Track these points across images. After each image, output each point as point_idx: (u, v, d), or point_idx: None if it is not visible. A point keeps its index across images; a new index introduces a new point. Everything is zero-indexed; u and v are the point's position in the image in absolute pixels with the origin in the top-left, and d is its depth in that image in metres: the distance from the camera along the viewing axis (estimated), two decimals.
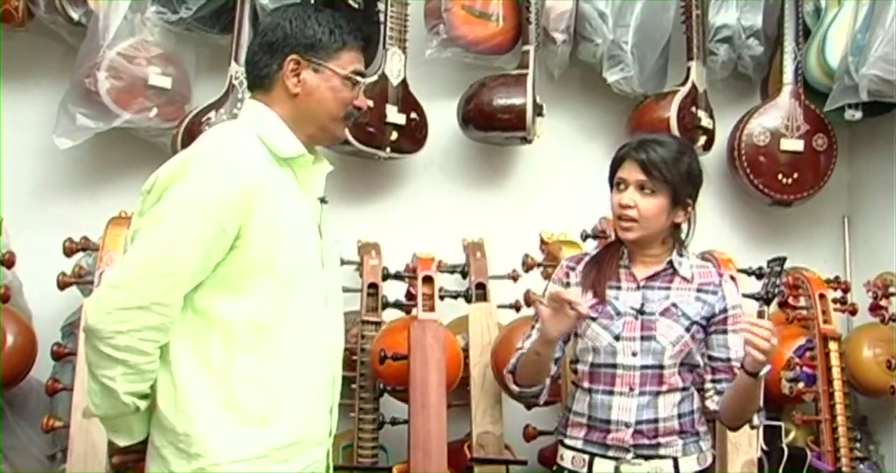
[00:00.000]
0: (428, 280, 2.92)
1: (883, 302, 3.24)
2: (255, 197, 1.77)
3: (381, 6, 3.11)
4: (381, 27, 3.11)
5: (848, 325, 3.48)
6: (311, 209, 1.94)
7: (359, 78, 1.92)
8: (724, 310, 2.26)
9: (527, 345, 2.28)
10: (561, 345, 2.30)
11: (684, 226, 2.31)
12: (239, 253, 1.78)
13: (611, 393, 2.22)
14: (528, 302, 2.85)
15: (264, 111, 1.89)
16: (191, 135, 2.92)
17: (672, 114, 3.21)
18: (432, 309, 2.88)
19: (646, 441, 2.21)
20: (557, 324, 2.12)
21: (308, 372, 1.90)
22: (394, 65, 3.12)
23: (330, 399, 1.97)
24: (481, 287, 3.11)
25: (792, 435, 3.15)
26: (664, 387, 2.22)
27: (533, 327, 2.32)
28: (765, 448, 2.88)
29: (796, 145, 3.33)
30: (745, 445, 2.75)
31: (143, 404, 1.82)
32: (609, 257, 2.31)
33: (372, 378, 2.91)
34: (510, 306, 3.11)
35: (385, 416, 2.93)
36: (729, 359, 2.26)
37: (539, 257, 3.02)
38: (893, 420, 3.38)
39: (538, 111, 3.17)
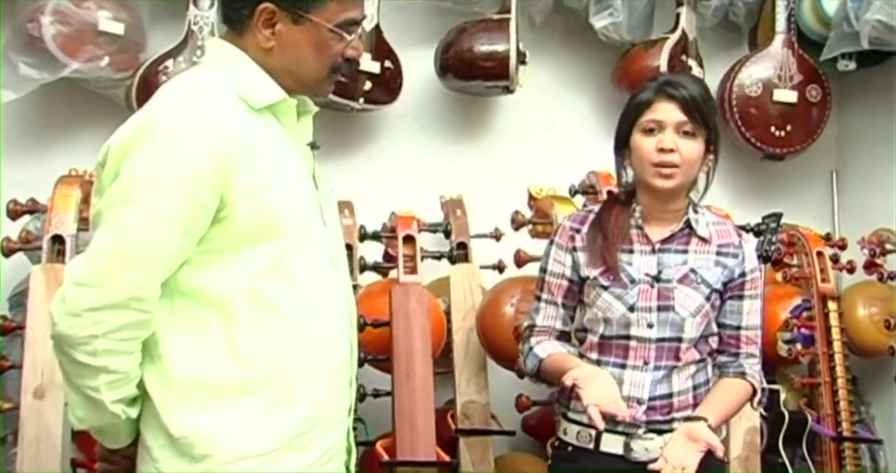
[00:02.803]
0: (409, 240, 2.66)
1: (879, 260, 3.05)
2: (235, 158, 1.48)
3: None
4: None
5: (838, 284, 3.29)
6: (303, 158, 1.65)
7: (351, 28, 1.59)
8: (743, 274, 2.03)
9: (541, 353, 2.04)
10: (571, 315, 2.08)
11: (701, 178, 2.07)
12: (226, 224, 1.50)
13: (623, 366, 1.98)
14: (519, 263, 2.61)
15: (234, 53, 1.58)
16: (146, 86, 2.66)
17: (662, 62, 2.98)
18: (414, 270, 2.62)
19: (659, 417, 1.98)
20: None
21: (323, 343, 1.62)
22: (366, 9, 2.83)
23: (349, 370, 1.71)
24: (462, 247, 2.86)
25: (782, 398, 2.97)
26: (681, 362, 1.99)
27: (539, 298, 2.09)
28: (764, 413, 2.68)
29: (790, 96, 3.11)
30: (748, 412, 2.55)
31: (133, 411, 1.55)
32: (617, 216, 2.04)
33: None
34: (493, 267, 2.88)
35: (366, 387, 2.68)
36: (739, 328, 2.04)
37: (528, 214, 2.77)
38: (885, 381, 3.21)
39: (521, 59, 2.92)
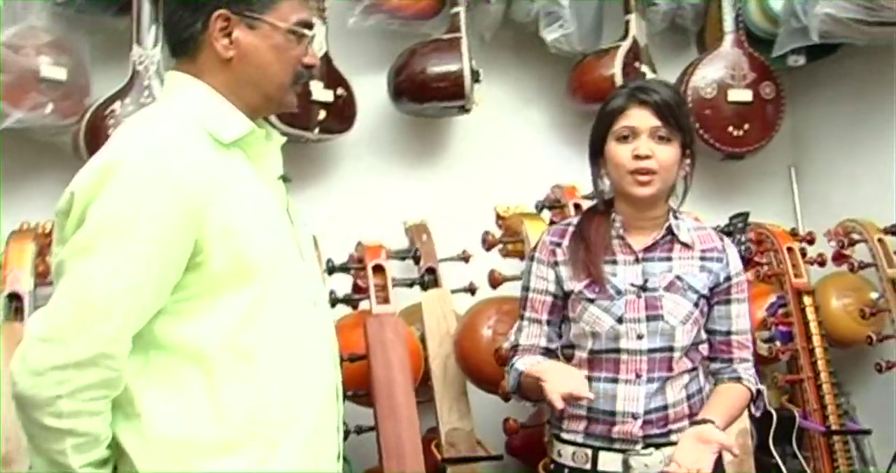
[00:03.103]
0: (378, 269, 2.59)
1: (846, 251, 3.03)
2: (206, 199, 1.40)
3: None
4: None
5: (809, 278, 3.28)
6: (275, 192, 1.57)
7: (306, 30, 1.54)
8: (729, 278, 1.99)
9: (521, 366, 1.98)
10: (557, 331, 2.02)
11: (679, 183, 2.02)
12: (202, 270, 1.42)
13: (615, 380, 1.93)
14: (493, 284, 2.55)
15: (193, 84, 1.51)
16: (95, 132, 2.56)
17: (616, 70, 2.94)
18: (387, 300, 2.55)
19: (656, 431, 1.93)
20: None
21: (310, 390, 1.54)
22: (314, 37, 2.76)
23: (336, 415, 1.63)
24: (432, 272, 2.80)
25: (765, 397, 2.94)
26: (674, 372, 1.94)
27: (522, 317, 2.03)
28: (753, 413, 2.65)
29: (745, 95, 3.09)
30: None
31: None
32: (597, 227, 1.99)
33: None
34: (464, 290, 2.80)
35: (348, 424, 2.59)
36: (729, 333, 2.01)
37: (497, 233, 2.71)
38: (863, 370, 3.19)
39: (475, 77, 2.87)
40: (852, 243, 3.00)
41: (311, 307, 1.57)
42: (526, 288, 2.05)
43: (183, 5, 1.51)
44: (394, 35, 2.99)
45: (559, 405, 1.80)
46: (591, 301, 1.94)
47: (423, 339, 2.67)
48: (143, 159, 1.40)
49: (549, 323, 2.02)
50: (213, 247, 1.41)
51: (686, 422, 1.95)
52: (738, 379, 2.00)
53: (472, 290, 2.81)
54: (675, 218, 2.00)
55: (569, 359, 2.03)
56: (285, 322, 1.50)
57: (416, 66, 2.85)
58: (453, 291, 2.77)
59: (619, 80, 2.93)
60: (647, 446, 1.92)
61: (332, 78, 2.81)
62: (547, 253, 2.03)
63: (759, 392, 2.03)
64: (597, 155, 2.00)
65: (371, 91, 2.97)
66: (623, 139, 1.93)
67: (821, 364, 2.83)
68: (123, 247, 1.37)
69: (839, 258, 3.05)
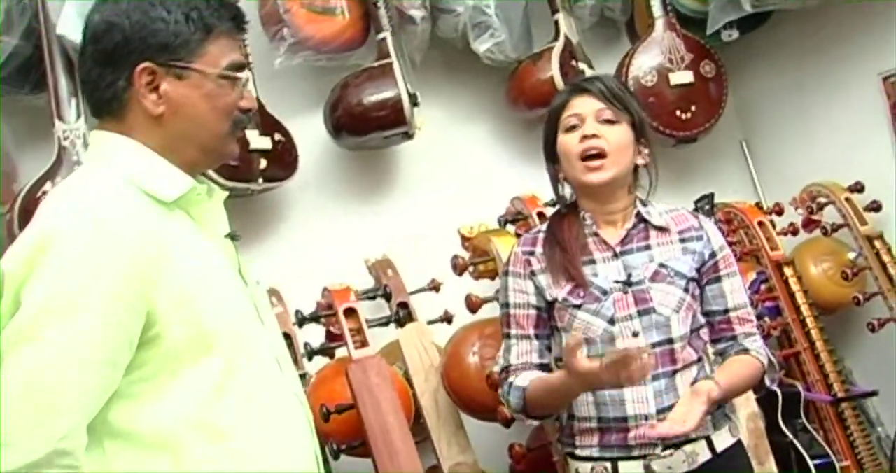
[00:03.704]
0: (351, 313, 2.44)
1: (816, 217, 2.97)
2: (154, 266, 1.27)
3: None
4: None
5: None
6: (225, 252, 1.44)
7: (238, 73, 1.41)
8: (713, 254, 1.90)
9: (521, 383, 1.87)
10: (546, 344, 1.92)
11: (644, 175, 1.94)
12: (157, 344, 1.28)
13: (619, 385, 1.81)
14: (473, 308, 2.43)
15: (122, 143, 1.37)
16: (28, 218, 2.31)
17: (554, 72, 2.85)
18: (365, 343, 2.41)
19: None
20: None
21: (289, 461, 1.40)
22: None
23: None
24: (404, 306, 2.68)
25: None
26: (679, 364, 1.84)
27: (508, 336, 1.91)
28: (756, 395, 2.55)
29: (686, 77, 3.00)
30: (743, 400, 2.41)
31: None
32: (568, 227, 1.89)
33: (318, 440, 2.42)
34: (441, 320, 2.69)
35: None
36: (727, 311, 1.91)
37: (466, 256, 2.59)
38: (852, 331, 3.12)
39: (414, 101, 2.75)
40: (821, 207, 2.95)
41: (277, 372, 1.44)
42: (506, 305, 1.94)
43: (102, 62, 1.37)
44: (323, 71, 2.87)
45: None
46: (578, 306, 1.84)
47: (407, 377, 2.54)
48: (79, 229, 1.26)
49: (537, 337, 1.92)
50: (168, 318, 1.28)
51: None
52: (745, 351, 1.90)
53: (448, 319, 2.69)
54: (644, 205, 1.91)
55: None
56: (255, 391, 1.37)
57: (352, 98, 2.73)
58: (429, 322, 2.65)
59: (558, 81, 2.83)
60: (666, 447, 1.81)
61: (268, 124, 2.68)
62: (521, 265, 1.92)
63: (770, 363, 1.93)
64: (552, 156, 1.93)
65: (309, 131, 2.85)
66: (570, 128, 1.87)
67: (814, 333, 2.76)
68: (71, 330, 1.23)
69: (809, 224, 2.99)
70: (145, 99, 1.36)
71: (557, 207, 2.02)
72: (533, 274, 1.90)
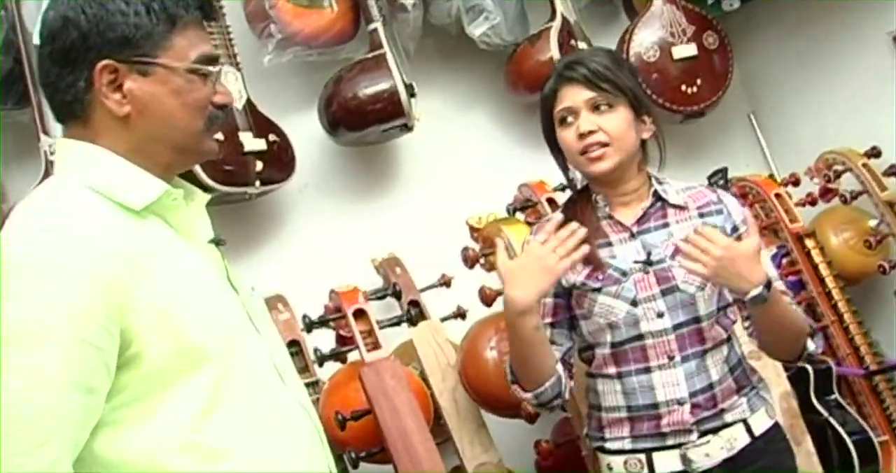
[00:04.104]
0: (360, 314, 2.32)
1: (832, 185, 2.85)
2: (128, 280, 1.16)
3: None
4: None
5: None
6: (210, 260, 1.33)
7: (209, 66, 1.30)
8: (735, 228, 1.78)
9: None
10: (566, 334, 1.80)
11: (653, 146, 1.83)
12: (138, 365, 1.17)
13: (647, 370, 1.71)
14: (488, 301, 2.32)
15: (88, 150, 1.26)
16: None
17: (553, 52, 2.72)
18: (377, 345, 2.29)
19: (707, 414, 1.71)
20: (532, 281, 1.62)
21: None
22: (231, 86, 2.53)
23: None
24: (415, 304, 2.57)
25: None
26: (708, 344, 1.72)
27: None
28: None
29: (689, 50, 2.89)
30: (775, 378, 2.29)
31: None
32: (581, 212, 1.78)
33: (334, 450, 2.30)
34: (454, 316, 2.58)
35: None
36: None
37: (477, 247, 2.48)
38: (876, 302, 3.00)
39: (410, 91, 2.63)
40: (838, 175, 2.83)
41: (278, 384, 1.33)
42: None
43: (59, 62, 1.25)
44: (315, 67, 2.75)
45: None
46: (598, 290, 1.73)
47: (423, 377, 2.42)
48: (42, 247, 1.15)
49: (553, 325, 1.81)
50: (147, 336, 1.16)
51: (736, 398, 1.74)
52: None
53: (461, 315, 2.59)
54: (660, 183, 1.80)
55: (589, 362, 1.81)
56: (252, 406, 1.25)
57: (346, 92, 2.61)
58: (443, 319, 2.54)
59: None
60: (701, 434, 1.70)
61: (261, 125, 2.57)
62: None
63: (812, 330, 1.79)
64: (554, 144, 1.82)
65: (305, 130, 2.74)
66: (564, 123, 1.75)
67: (841, 305, 2.65)
68: (39, 356, 1.11)
69: (826, 193, 2.88)
70: (108, 99, 1.24)
71: (570, 195, 1.92)
72: None
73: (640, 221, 1.76)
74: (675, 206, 1.78)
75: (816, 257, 2.65)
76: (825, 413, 2.48)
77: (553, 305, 1.81)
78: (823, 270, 2.65)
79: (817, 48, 3.07)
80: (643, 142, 1.81)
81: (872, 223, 2.79)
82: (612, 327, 1.73)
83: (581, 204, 1.81)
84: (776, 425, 1.80)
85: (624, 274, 1.73)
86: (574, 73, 1.73)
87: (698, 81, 2.91)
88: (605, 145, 1.71)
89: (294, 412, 1.34)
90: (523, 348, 1.71)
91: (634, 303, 1.71)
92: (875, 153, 2.80)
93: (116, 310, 1.14)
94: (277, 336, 1.46)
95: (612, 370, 1.75)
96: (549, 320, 1.81)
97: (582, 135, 1.71)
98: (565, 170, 1.87)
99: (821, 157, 2.89)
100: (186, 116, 1.28)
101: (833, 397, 2.53)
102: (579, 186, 1.88)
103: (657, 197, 1.77)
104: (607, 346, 1.75)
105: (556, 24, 2.78)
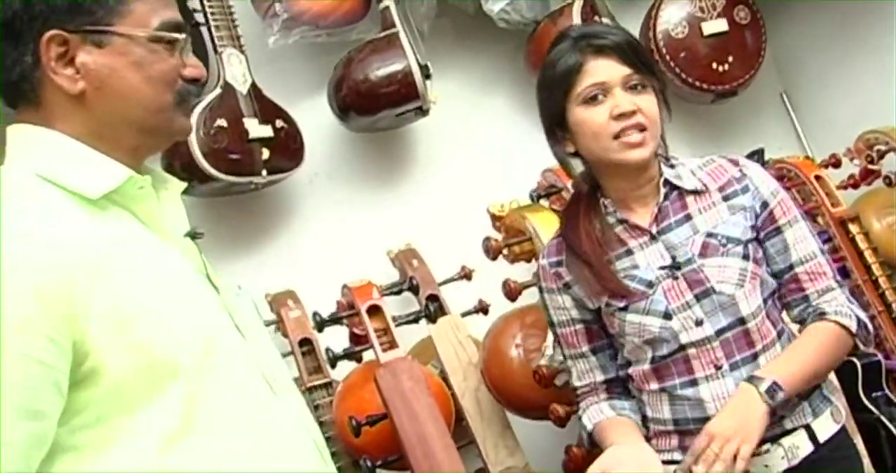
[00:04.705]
0: (375, 311, 2.15)
1: (874, 166, 2.64)
2: (82, 284, 1.00)
3: (193, 4, 2.33)
4: (205, 29, 2.34)
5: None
6: (185, 256, 1.15)
7: (175, 33, 1.13)
8: (766, 204, 1.57)
9: (587, 423, 1.64)
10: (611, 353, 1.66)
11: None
12: (96, 381, 1.00)
13: (693, 382, 1.52)
14: (512, 295, 2.13)
15: (39, 135, 1.10)
16: None
17: None
18: (393, 344, 2.12)
19: None
20: None
21: None
22: (235, 69, 2.35)
23: None
24: (435, 299, 2.39)
25: None
26: (758, 346, 1.52)
27: (564, 357, 1.67)
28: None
29: (719, 26, 2.68)
30: None
31: None
32: (588, 220, 1.58)
33: (350, 457, 2.14)
34: (476, 311, 2.39)
35: None
36: (791, 267, 1.57)
37: (499, 237, 2.29)
38: None
39: (426, 73, 2.44)
40: (881, 155, 2.61)
41: (267, 396, 1.15)
42: (551, 324, 1.67)
43: (1, 36, 1.08)
44: (324, 49, 2.57)
45: None
46: (625, 309, 1.54)
47: (444, 377, 2.25)
48: None
49: (594, 351, 1.64)
50: (106, 348, 1.00)
51: (796, 400, 1.53)
52: (822, 315, 1.55)
53: (483, 310, 2.40)
54: (671, 167, 1.59)
55: (630, 380, 1.63)
56: (233, 426, 1.09)
57: (357, 74, 2.42)
58: (463, 315, 2.36)
59: None
60: (760, 442, 1.49)
61: (267, 110, 2.39)
62: (552, 279, 1.63)
63: (858, 321, 1.55)
64: (556, 129, 1.60)
65: (314, 116, 2.55)
66: (592, 101, 1.52)
67: (889, 294, 2.44)
68: None
69: (868, 175, 2.66)
70: (59, 75, 1.08)
71: (570, 198, 1.72)
72: (567, 286, 1.61)
73: (657, 219, 1.56)
74: (693, 192, 1.57)
75: (861, 243, 2.44)
76: (876, 411, 2.28)
77: (585, 331, 1.63)
78: (869, 257, 2.44)
79: (855, 22, 2.86)
80: None
81: None
82: (650, 344, 1.54)
83: (585, 219, 1.59)
84: (843, 430, 1.59)
85: (650, 285, 1.53)
86: (605, 42, 1.51)
87: (730, 59, 2.71)
88: (643, 129, 1.51)
89: (287, 428, 1.17)
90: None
91: (668, 316, 1.52)
92: None
93: (65, 321, 0.97)
94: (268, 340, 1.28)
95: (654, 385, 1.56)
96: (586, 348, 1.63)
97: (622, 116, 1.50)
98: (567, 166, 1.65)
99: (861, 137, 2.68)
100: (151, 92, 1.12)
101: (882, 393, 2.33)
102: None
103: (670, 186, 1.57)
104: (647, 362, 1.56)
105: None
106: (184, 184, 1.22)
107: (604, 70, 1.51)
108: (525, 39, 2.70)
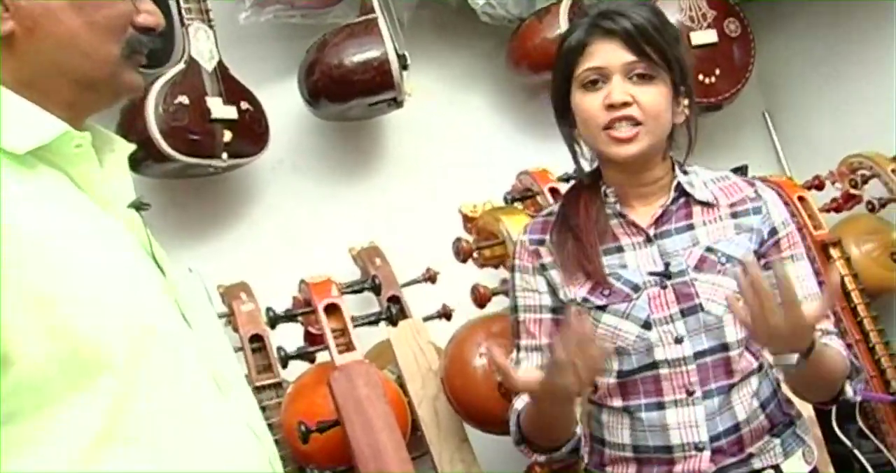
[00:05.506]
0: (333, 309, 1.99)
1: (856, 191, 2.54)
2: None
3: None
4: (173, 0, 2.17)
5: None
6: (129, 230, 0.99)
7: None
8: (774, 231, 1.46)
9: (518, 404, 1.47)
10: None
11: (681, 133, 1.49)
12: (9, 372, 0.85)
13: (660, 405, 1.39)
14: (481, 302, 1.99)
15: None
16: None
17: (563, 30, 2.39)
18: (350, 346, 1.96)
19: (731, 460, 1.39)
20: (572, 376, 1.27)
21: None
22: (201, 45, 2.18)
23: None
24: (396, 301, 2.27)
25: None
26: (735, 377, 1.40)
27: (518, 347, 1.49)
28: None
29: (709, 37, 2.56)
30: (799, 403, 1.98)
31: None
32: (585, 209, 1.45)
33: (296, 464, 1.98)
34: (438, 316, 2.27)
35: None
36: None
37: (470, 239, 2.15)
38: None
39: (403, 63, 2.29)
40: (865, 180, 2.52)
41: (213, 395, 1.00)
42: (514, 309, 1.52)
43: None
44: (298, 32, 2.40)
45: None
46: (603, 308, 1.40)
47: (401, 383, 2.11)
48: None
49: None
50: (19, 332, 0.84)
51: (768, 438, 1.42)
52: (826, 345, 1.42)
53: (447, 315, 2.28)
54: (685, 173, 1.46)
55: (595, 390, 1.48)
56: (169, 429, 0.93)
57: (331, 58, 2.25)
58: (425, 319, 2.23)
59: None
60: None
61: (232, 90, 2.22)
62: (529, 257, 1.49)
63: (854, 368, 1.46)
64: (565, 112, 1.46)
65: (282, 100, 2.39)
66: (590, 85, 1.40)
67: (867, 322, 2.33)
68: None
69: (849, 200, 2.57)
70: None
71: (573, 183, 1.58)
72: (544, 268, 1.47)
73: (658, 222, 1.43)
74: (701, 203, 1.45)
75: (842, 269, 2.34)
76: (849, 444, 2.16)
77: (550, 323, 1.48)
78: (849, 283, 2.33)
79: (846, 43, 2.77)
80: (671, 128, 1.46)
81: None
82: (620, 353, 1.40)
83: (586, 198, 1.46)
84: (814, 472, 1.47)
85: (636, 288, 1.40)
86: (614, 25, 1.38)
87: (717, 71, 2.59)
88: (636, 124, 1.37)
89: (234, 436, 1.00)
90: (549, 421, 1.41)
91: (647, 326, 1.39)
92: None
93: None
94: (219, 332, 1.13)
95: (617, 402, 1.43)
96: (544, 341, 1.48)
97: (612, 106, 1.37)
98: (573, 150, 1.51)
99: (844, 161, 2.58)
100: (94, 38, 0.96)
101: (855, 425, 2.22)
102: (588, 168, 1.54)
103: (681, 191, 1.44)
104: (613, 375, 1.42)
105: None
106: (132, 147, 1.07)
107: (605, 54, 1.38)
108: (507, 36, 2.57)
